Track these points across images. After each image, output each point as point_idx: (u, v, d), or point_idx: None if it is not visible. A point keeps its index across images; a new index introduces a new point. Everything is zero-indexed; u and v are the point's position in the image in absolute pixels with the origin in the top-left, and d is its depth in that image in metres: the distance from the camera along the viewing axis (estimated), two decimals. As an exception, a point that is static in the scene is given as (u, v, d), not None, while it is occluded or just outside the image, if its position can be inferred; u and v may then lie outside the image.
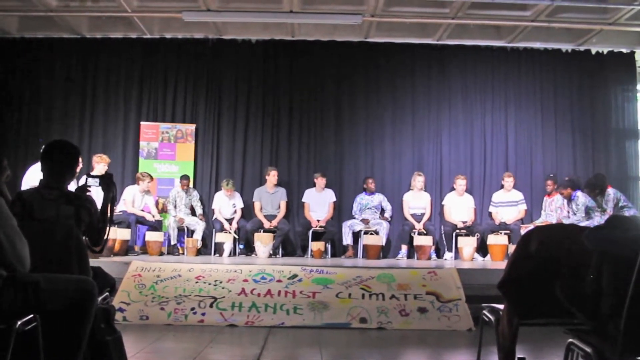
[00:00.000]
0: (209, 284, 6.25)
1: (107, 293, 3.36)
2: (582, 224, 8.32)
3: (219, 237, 8.82)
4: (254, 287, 6.22)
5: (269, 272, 6.49)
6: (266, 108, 9.93)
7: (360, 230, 9.16)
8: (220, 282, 6.29)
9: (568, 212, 8.86)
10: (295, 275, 6.46)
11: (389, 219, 9.38)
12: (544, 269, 2.81)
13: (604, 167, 9.76)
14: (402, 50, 9.92)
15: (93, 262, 3.26)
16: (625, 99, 10.16)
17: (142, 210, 8.83)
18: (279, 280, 6.36)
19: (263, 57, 9.99)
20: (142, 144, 9.68)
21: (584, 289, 2.58)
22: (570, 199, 8.81)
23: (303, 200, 9.43)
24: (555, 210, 9.06)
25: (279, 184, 9.41)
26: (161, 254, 8.60)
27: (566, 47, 9.92)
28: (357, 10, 8.74)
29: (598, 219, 8.26)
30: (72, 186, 3.53)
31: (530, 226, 8.65)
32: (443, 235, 9.20)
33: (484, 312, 3.30)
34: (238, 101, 9.92)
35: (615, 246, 2.42)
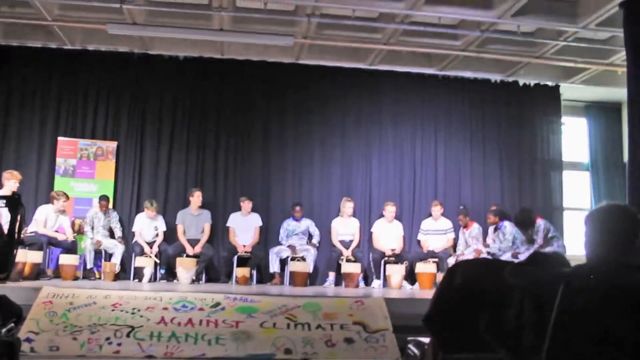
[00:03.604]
0: (127, 312, 6.05)
1: (12, 324, 3.22)
2: (507, 254, 8.62)
3: (138, 262, 8.60)
4: (174, 316, 6.06)
5: (190, 300, 6.35)
6: (192, 127, 9.80)
7: (287, 257, 9.14)
8: (139, 310, 6.09)
9: (494, 240, 9.13)
10: (218, 304, 6.34)
11: (317, 245, 9.39)
12: (468, 303, 2.88)
13: (530, 197, 10.14)
14: (334, 73, 10.00)
15: (-2, 290, 3.12)
16: (550, 130, 10.62)
17: (56, 232, 8.53)
18: (200, 309, 6.22)
19: (191, 74, 9.89)
20: (59, 160, 9.35)
21: (507, 324, 2.65)
22: (496, 228, 9.10)
23: (228, 224, 9.32)
24: (473, 238, 9.31)
25: (203, 206, 9.29)
26: (76, 278, 8.29)
27: (495, 77, 10.27)
28: (289, 31, 8.77)
29: (525, 249, 8.57)
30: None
31: (454, 259, 8.92)
32: (371, 262, 9.24)
33: (409, 346, 3.35)
34: (163, 119, 9.76)
35: (536, 283, 2.51)
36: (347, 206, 9.43)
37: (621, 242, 2.46)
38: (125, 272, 8.92)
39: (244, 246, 9.07)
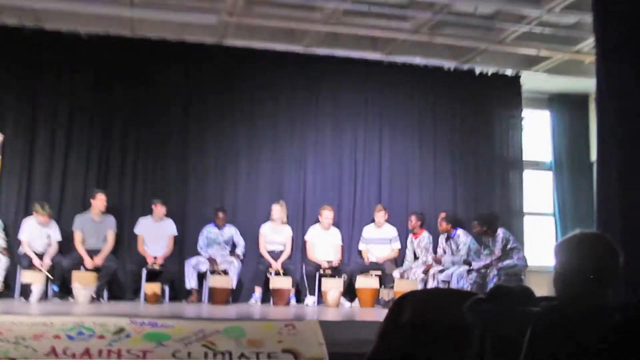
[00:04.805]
0: (8, 341, 5.69)
1: None
2: (460, 268, 8.67)
3: (26, 277, 8.20)
4: (67, 346, 5.75)
5: (88, 326, 6.05)
6: (95, 117, 9.45)
7: (207, 270, 8.94)
8: (24, 340, 5.76)
9: (444, 250, 9.20)
10: (121, 330, 6.06)
11: (242, 256, 9.25)
12: (418, 342, 2.78)
13: (487, 200, 10.19)
14: (265, 58, 9.76)
15: None
16: (510, 125, 10.71)
17: None
18: (100, 337, 5.93)
19: (94, 54, 9.44)
20: None
21: (465, 368, 2.57)
22: (448, 237, 9.15)
23: (136, 231, 9.06)
24: (422, 249, 9.36)
25: (107, 210, 8.97)
26: (-53, 297, 7.90)
27: (449, 64, 10.29)
28: (212, 7, 8.58)
29: (481, 260, 8.66)
30: None
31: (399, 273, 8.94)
32: (305, 275, 9.16)
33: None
34: (59, 107, 9.34)
35: (499, 323, 2.43)
36: (277, 210, 9.31)
37: (596, 278, 2.38)
38: (9, 289, 8.49)
39: (155, 258, 8.84)
